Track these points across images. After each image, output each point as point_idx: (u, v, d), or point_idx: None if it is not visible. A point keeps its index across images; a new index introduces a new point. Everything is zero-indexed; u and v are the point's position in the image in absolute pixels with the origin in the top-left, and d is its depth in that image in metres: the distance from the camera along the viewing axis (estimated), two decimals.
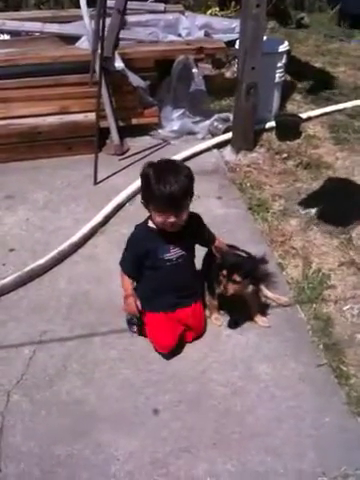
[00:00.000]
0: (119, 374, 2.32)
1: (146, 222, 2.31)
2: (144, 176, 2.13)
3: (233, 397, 2.20)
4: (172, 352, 2.36)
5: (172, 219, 2.14)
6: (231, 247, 2.50)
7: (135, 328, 2.47)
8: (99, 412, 2.17)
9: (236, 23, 4.82)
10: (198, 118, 4.43)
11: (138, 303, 2.38)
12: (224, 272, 2.28)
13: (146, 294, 2.42)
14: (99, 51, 3.71)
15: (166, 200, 2.07)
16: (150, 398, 2.21)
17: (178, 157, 3.98)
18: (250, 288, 2.41)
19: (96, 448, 2.03)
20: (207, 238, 2.46)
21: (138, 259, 2.32)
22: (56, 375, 2.32)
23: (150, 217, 2.26)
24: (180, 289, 2.41)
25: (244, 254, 2.43)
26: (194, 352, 2.42)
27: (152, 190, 2.07)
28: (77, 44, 4.17)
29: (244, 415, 2.13)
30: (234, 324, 2.53)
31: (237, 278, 2.28)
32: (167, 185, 2.04)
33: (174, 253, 2.30)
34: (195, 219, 2.37)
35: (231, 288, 2.29)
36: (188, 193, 2.16)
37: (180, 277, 2.38)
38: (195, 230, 2.36)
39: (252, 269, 2.34)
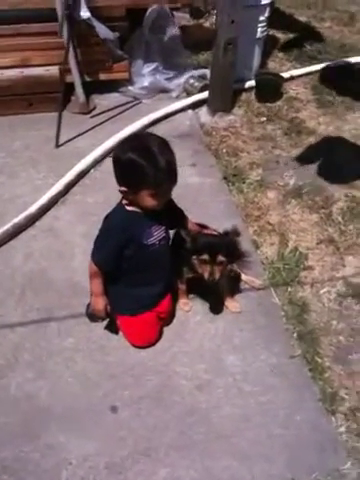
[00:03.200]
0: (75, 366, 2.12)
1: (122, 206, 1.98)
2: (127, 162, 1.81)
3: (199, 393, 2.03)
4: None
5: (169, 196, 1.92)
6: (200, 226, 2.26)
7: (99, 321, 2.23)
8: (52, 409, 1.98)
9: None
10: (172, 74, 4.09)
11: (108, 307, 2.12)
12: (205, 257, 2.02)
13: (122, 295, 2.14)
14: None
15: (167, 176, 1.82)
16: (108, 394, 2.02)
17: (150, 117, 3.69)
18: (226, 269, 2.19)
19: (47, 450, 1.85)
20: (179, 216, 2.22)
21: (119, 250, 1.98)
22: (5, 366, 2.11)
23: (128, 202, 1.95)
24: (162, 277, 2.17)
25: (215, 232, 2.21)
26: (159, 341, 2.22)
27: (145, 173, 1.78)
28: None
29: (210, 413, 1.97)
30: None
31: (221, 258, 2.03)
32: (163, 159, 1.78)
33: (157, 236, 2.02)
34: None
35: (218, 271, 2.04)
36: None
37: (162, 263, 2.12)
38: (169, 207, 2.09)
39: (230, 245, 2.10)
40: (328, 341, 2.25)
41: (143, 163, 1.77)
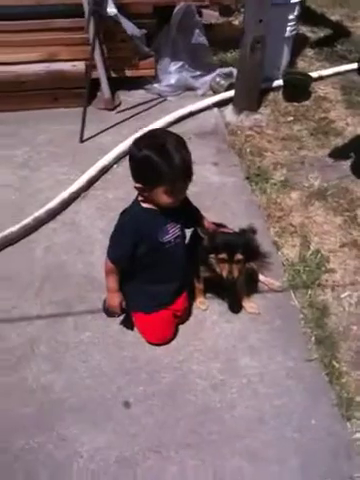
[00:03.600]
0: (91, 359, 2.13)
1: (137, 203, 1.98)
2: (143, 159, 1.81)
3: (213, 392, 2.01)
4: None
5: (184, 193, 1.92)
6: (217, 225, 2.23)
7: (115, 316, 2.25)
8: (66, 401, 1.99)
9: None
10: (199, 72, 4.07)
11: (123, 304, 2.15)
12: (223, 256, 2.01)
13: (137, 292, 2.14)
14: None
15: (182, 173, 1.82)
16: (122, 389, 2.02)
17: (175, 115, 3.68)
18: (244, 268, 2.15)
19: (59, 442, 1.86)
20: (195, 214, 2.21)
21: (134, 247, 1.98)
22: (23, 357, 2.13)
23: (144, 199, 1.94)
24: (178, 275, 2.16)
25: (231, 231, 2.19)
26: (174, 338, 2.21)
27: (162, 170, 1.77)
28: None
29: (223, 413, 1.95)
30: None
31: (239, 256, 2.01)
32: (178, 157, 1.78)
33: (172, 233, 2.01)
34: None
35: (236, 269, 2.02)
36: None
37: (178, 261, 2.11)
38: (184, 206, 2.08)
39: (247, 243, 2.06)
40: (347, 346, 2.20)
41: (158, 160, 1.77)
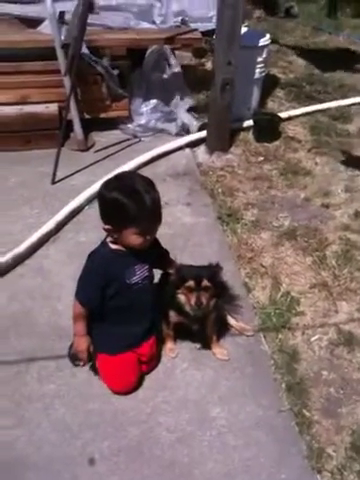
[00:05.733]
0: (55, 413, 2.05)
1: (106, 244, 1.98)
2: (112, 201, 1.82)
3: (180, 446, 1.95)
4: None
5: (154, 235, 1.92)
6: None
7: (81, 363, 2.19)
8: (29, 459, 1.90)
9: (213, 12, 4.47)
10: (172, 113, 4.12)
11: (91, 348, 2.10)
12: (190, 283, 2.01)
13: (104, 333, 2.10)
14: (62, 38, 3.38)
15: (152, 215, 1.85)
16: (87, 444, 1.94)
17: (147, 156, 3.71)
18: (212, 302, 2.12)
19: None
20: (164, 256, 2.20)
21: (102, 288, 1.96)
22: None
23: (113, 240, 1.95)
24: (146, 316, 2.13)
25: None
26: (142, 389, 2.15)
27: (131, 212, 1.79)
28: (39, 28, 3.80)
29: (191, 468, 1.88)
30: None
31: (206, 283, 2.02)
32: (148, 198, 1.80)
33: (140, 275, 2.01)
34: None
35: (204, 297, 2.01)
36: None
37: (146, 302, 2.09)
38: (153, 246, 2.07)
39: (213, 275, 2.07)
40: (318, 393, 2.17)
41: (127, 202, 1.78)
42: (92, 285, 1.97)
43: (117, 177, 1.93)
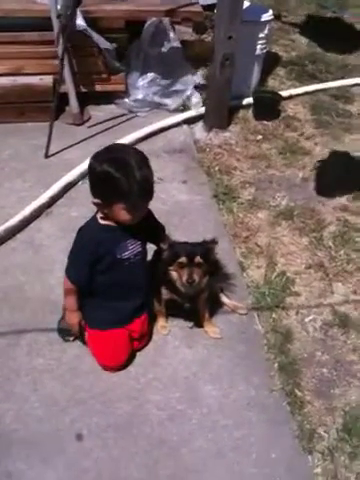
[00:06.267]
0: (43, 388, 2.02)
1: (95, 220, 1.93)
2: (102, 174, 1.74)
3: (170, 424, 1.93)
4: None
5: (144, 211, 1.86)
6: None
7: (71, 338, 2.16)
8: (15, 434, 1.88)
9: None
10: (169, 88, 4.01)
11: (82, 322, 2.07)
12: (183, 259, 1.96)
13: (95, 308, 2.07)
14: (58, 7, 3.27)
15: (142, 192, 1.76)
16: (75, 420, 1.92)
17: (144, 131, 3.63)
18: (205, 280, 2.07)
19: (4, 479, 1.75)
20: (158, 231, 2.14)
21: (92, 265, 1.93)
22: None
23: (103, 216, 1.89)
24: (138, 293, 2.09)
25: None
26: (132, 365, 2.12)
27: (119, 186, 1.72)
28: None
29: (180, 447, 1.86)
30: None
31: (199, 259, 1.97)
32: (139, 174, 1.72)
33: (132, 250, 1.96)
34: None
35: (197, 274, 1.96)
36: None
37: (138, 278, 2.05)
38: (148, 222, 2.01)
39: (207, 251, 2.02)
40: (310, 373, 2.15)
41: (118, 176, 1.71)
42: (81, 262, 1.93)
43: (109, 149, 1.84)
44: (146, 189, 1.79)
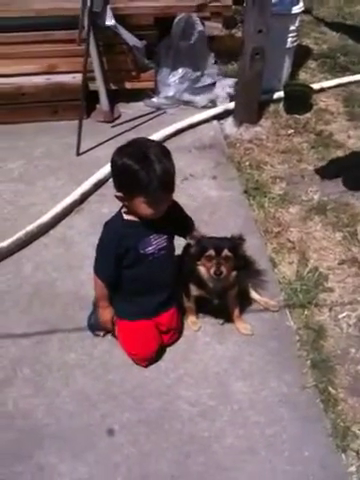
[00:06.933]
0: (74, 383, 2.04)
1: (119, 215, 1.96)
2: (123, 167, 1.77)
3: (201, 420, 1.91)
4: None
5: (165, 206, 1.84)
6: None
7: (101, 333, 2.18)
8: (47, 428, 1.90)
9: None
10: (199, 84, 4.00)
11: (114, 317, 2.11)
12: (210, 252, 1.95)
13: (123, 300, 2.09)
14: (88, 5, 3.29)
15: (162, 185, 1.76)
16: (106, 415, 1.93)
17: (173, 127, 3.62)
18: (233, 275, 2.05)
19: (37, 472, 1.78)
20: (187, 225, 2.13)
21: (118, 260, 1.95)
22: (4, 380, 2.05)
23: (127, 210, 1.91)
24: (163, 288, 2.09)
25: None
26: (163, 360, 2.12)
27: (140, 179, 1.72)
28: None
29: (211, 443, 1.85)
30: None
31: (227, 253, 1.95)
32: (159, 167, 1.73)
33: (156, 245, 1.97)
34: (173, 203, 2.04)
35: (224, 267, 1.94)
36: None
37: (163, 273, 2.05)
38: (175, 216, 2.02)
39: (235, 246, 2.00)
40: (344, 370, 2.10)
41: (137, 169, 1.73)
42: (108, 258, 1.95)
43: (130, 143, 1.85)
44: (166, 182, 1.78)
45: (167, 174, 1.76)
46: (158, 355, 2.11)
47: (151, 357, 2.08)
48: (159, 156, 1.75)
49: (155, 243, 1.96)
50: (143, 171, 1.71)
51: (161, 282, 2.07)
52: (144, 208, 1.80)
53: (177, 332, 2.20)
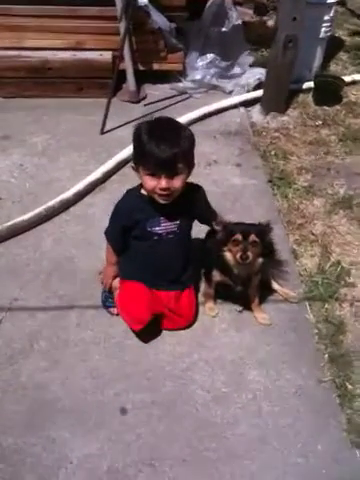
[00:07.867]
0: (90, 360, 2.03)
1: (138, 188, 1.98)
2: (135, 133, 1.83)
3: (215, 405, 1.90)
4: (146, 333, 2.08)
5: (163, 184, 1.81)
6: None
7: (115, 310, 2.17)
8: (60, 402, 1.89)
9: None
10: (228, 69, 3.94)
11: (117, 281, 2.16)
12: (237, 236, 1.92)
13: (128, 262, 2.13)
14: None
15: (157, 159, 1.76)
16: (120, 394, 1.92)
17: (199, 112, 3.57)
18: (259, 261, 2.01)
19: (49, 445, 1.77)
20: (207, 215, 2.10)
21: (125, 230, 2.02)
22: (19, 352, 2.05)
23: (141, 183, 1.93)
24: (163, 270, 2.09)
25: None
26: (179, 345, 2.10)
27: (142, 148, 1.78)
28: None
29: (224, 429, 1.83)
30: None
31: (254, 237, 1.92)
32: (159, 142, 1.75)
33: (165, 227, 1.98)
34: (196, 192, 2.04)
35: (251, 252, 1.91)
36: (185, 156, 1.81)
37: (166, 256, 2.05)
38: (194, 204, 2.01)
39: (262, 232, 1.97)
40: None
41: (143, 140, 1.77)
42: (115, 226, 2.05)
43: (155, 118, 1.90)
44: (165, 161, 1.76)
45: (170, 155, 1.75)
46: (172, 339, 2.10)
47: (142, 319, 2.02)
48: (172, 135, 1.77)
49: (164, 225, 1.98)
50: (148, 143, 1.75)
51: (165, 264, 2.08)
52: (147, 180, 1.83)
53: (189, 320, 2.17)
